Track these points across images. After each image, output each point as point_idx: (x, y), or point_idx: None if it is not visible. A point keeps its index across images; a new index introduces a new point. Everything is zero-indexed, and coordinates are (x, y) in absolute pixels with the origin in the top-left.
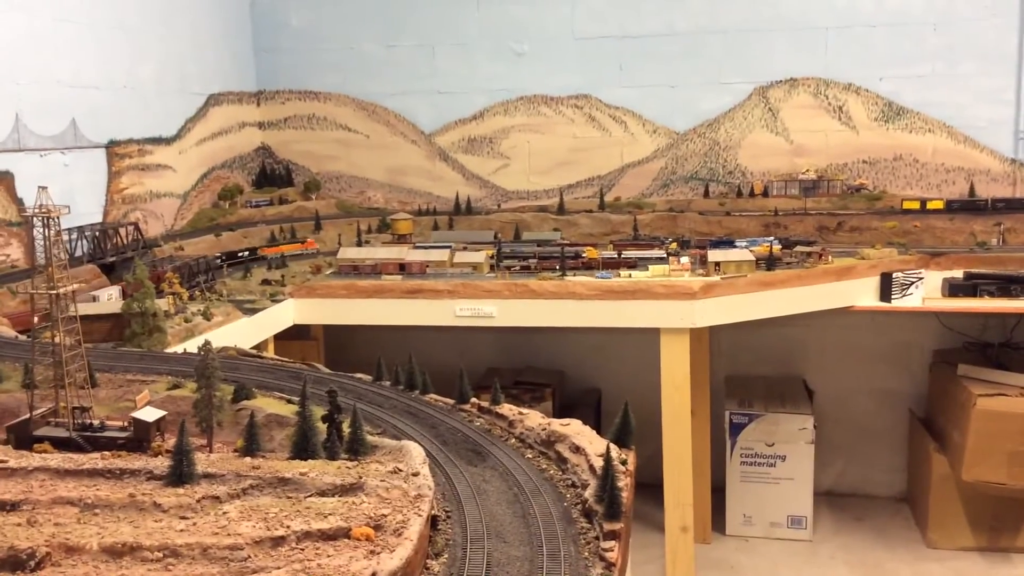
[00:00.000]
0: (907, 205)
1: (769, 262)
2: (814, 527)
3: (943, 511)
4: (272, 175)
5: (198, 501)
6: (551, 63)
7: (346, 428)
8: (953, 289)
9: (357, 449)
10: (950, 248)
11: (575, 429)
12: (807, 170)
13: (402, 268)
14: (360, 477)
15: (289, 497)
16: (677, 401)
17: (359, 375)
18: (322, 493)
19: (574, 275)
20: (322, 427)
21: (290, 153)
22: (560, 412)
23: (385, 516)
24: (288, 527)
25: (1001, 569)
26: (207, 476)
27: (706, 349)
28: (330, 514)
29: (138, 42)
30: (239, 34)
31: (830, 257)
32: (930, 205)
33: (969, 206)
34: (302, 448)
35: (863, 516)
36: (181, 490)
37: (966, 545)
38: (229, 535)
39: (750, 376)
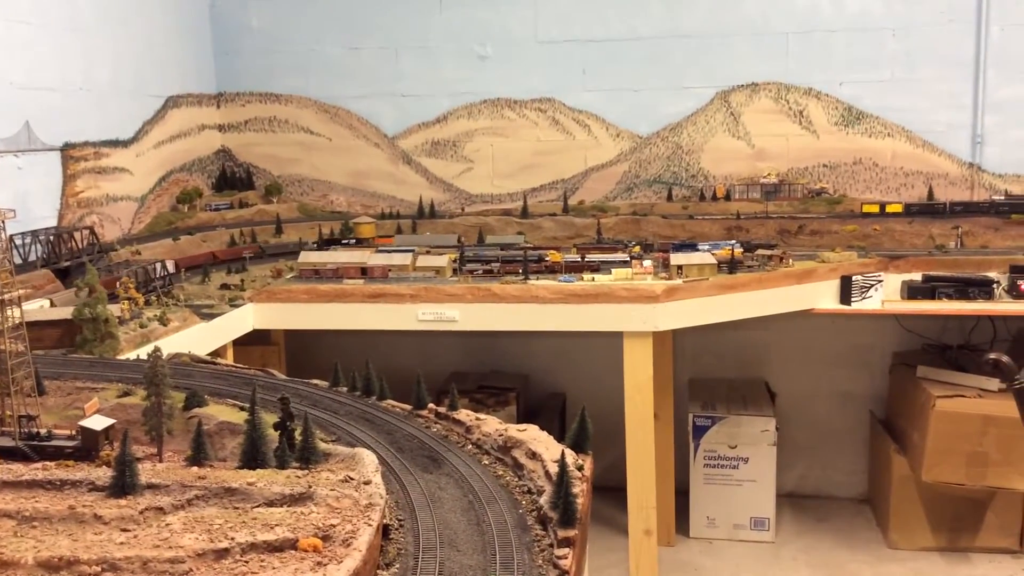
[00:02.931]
0: (867, 209)
1: (731, 265)
2: (777, 529)
3: (904, 512)
4: (232, 178)
5: (140, 513)
6: (514, 66)
7: (299, 436)
8: (912, 292)
9: (308, 457)
10: (909, 251)
11: (532, 435)
12: (768, 174)
13: (364, 272)
14: (310, 486)
15: (236, 508)
16: (640, 404)
17: (315, 381)
18: (270, 503)
19: (537, 279)
20: (274, 435)
21: (251, 156)
22: (524, 416)
23: (334, 526)
24: (232, 539)
25: (961, 569)
26: (151, 487)
27: (669, 352)
28: (277, 525)
29: (94, 44)
30: (198, 36)
31: (791, 260)
32: (889, 208)
33: (928, 209)
34: (251, 457)
35: (825, 517)
36: (123, 501)
37: (926, 545)
38: (171, 548)
39: (713, 379)
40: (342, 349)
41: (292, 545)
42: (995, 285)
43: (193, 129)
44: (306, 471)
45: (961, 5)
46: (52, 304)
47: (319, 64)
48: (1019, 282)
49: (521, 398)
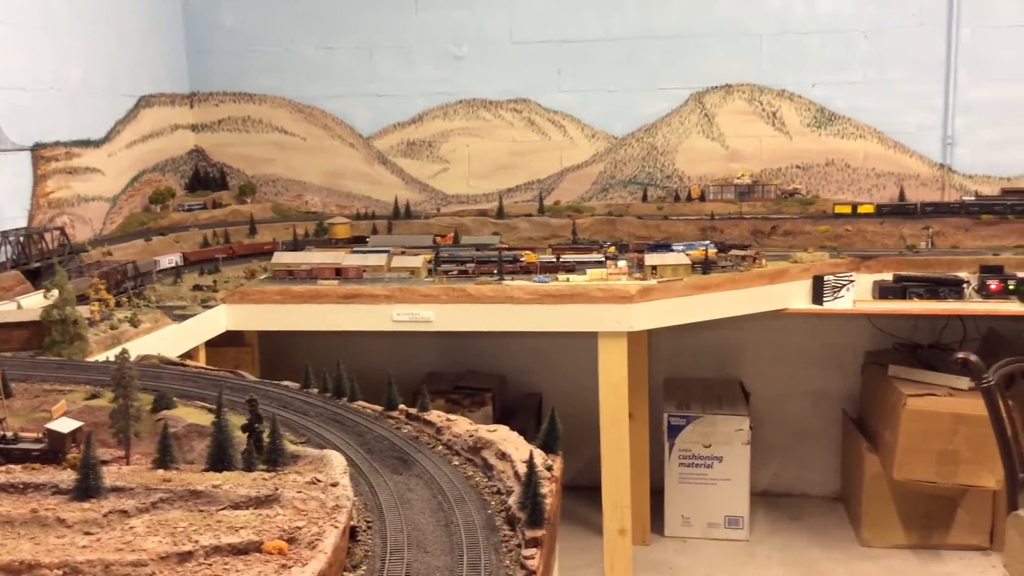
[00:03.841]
0: (839, 209)
1: (704, 266)
2: (751, 527)
3: (876, 510)
4: (206, 178)
5: (104, 516)
6: (490, 67)
7: (266, 438)
8: (883, 291)
9: (276, 459)
10: (880, 251)
11: (502, 435)
12: (742, 175)
13: (338, 273)
14: (276, 488)
15: (201, 511)
16: (615, 404)
17: (286, 382)
18: (235, 506)
19: (512, 279)
20: (243, 437)
21: (224, 156)
22: (500, 416)
23: (300, 528)
24: (196, 542)
25: (932, 566)
26: (116, 490)
27: (645, 352)
28: (242, 527)
29: (65, 43)
30: (171, 35)
31: (764, 261)
32: (861, 209)
33: (899, 210)
34: (218, 459)
35: (798, 516)
36: (87, 505)
37: (898, 543)
38: (134, 551)
39: (688, 378)
40: (317, 350)
41: (257, 548)
42: (965, 285)
43: (166, 129)
44: (273, 473)
45: (932, 7)
46: (19, 307)
47: (293, 64)
48: (989, 282)
49: (497, 398)
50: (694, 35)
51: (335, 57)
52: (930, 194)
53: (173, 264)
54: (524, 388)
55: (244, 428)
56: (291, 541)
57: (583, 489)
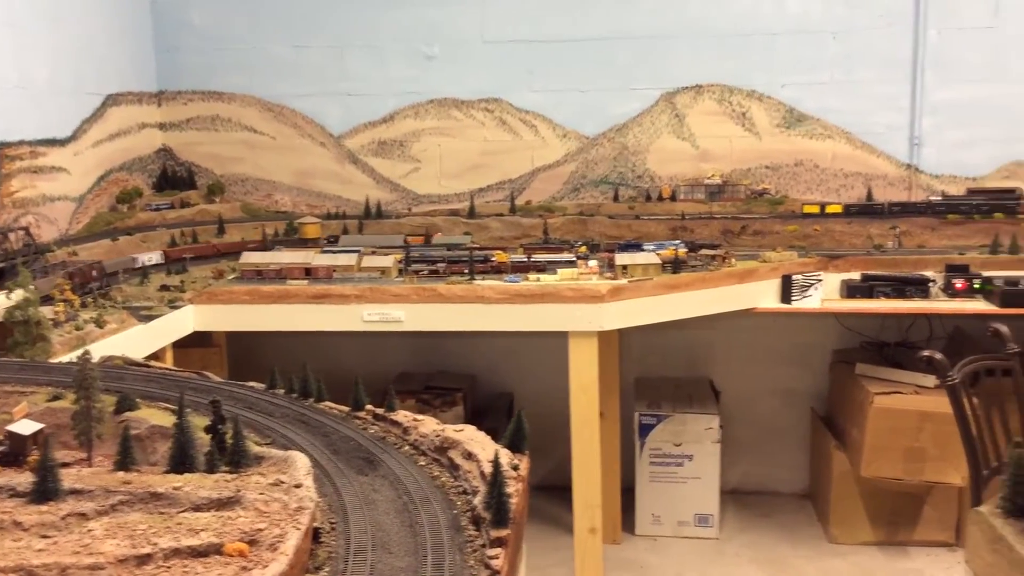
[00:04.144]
0: (807, 209)
1: (675, 265)
2: (721, 525)
3: (844, 507)
4: (174, 177)
5: (62, 519)
6: (461, 66)
7: (230, 439)
8: (850, 291)
9: (239, 461)
10: (848, 251)
11: (469, 435)
12: (712, 175)
13: (308, 273)
14: (238, 490)
15: (161, 513)
16: (585, 403)
17: (252, 383)
18: (196, 508)
19: (483, 279)
20: (206, 438)
21: (193, 155)
22: (472, 416)
23: (261, 530)
24: (155, 544)
25: (899, 562)
26: (75, 492)
27: (616, 352)
28: (202, 530)
29: (30, 40)
30: (139, 32)
31: (733, 260)
32: (829, 209)
33: (866, 210)
34: (180, 461)
35: (768, 513)
36: (45, 507)
37: (866, 540)
38: (91, 554)
39: (659, 378)
40: (287, 351)
41: (217, 550)
42: (931, 284)
43: (133, 127)
44: (236, 475)
45: (899, 8)
46: None
47: (263, 62)
48: (954, 281)
49: (468, 398)
50: (665, 36)
51: (305, 56)
52: (897, 194)
53: (153, 262)
54: (495, 388)
55: (207, 429)
56: (252, 543)
57: (554, 488)
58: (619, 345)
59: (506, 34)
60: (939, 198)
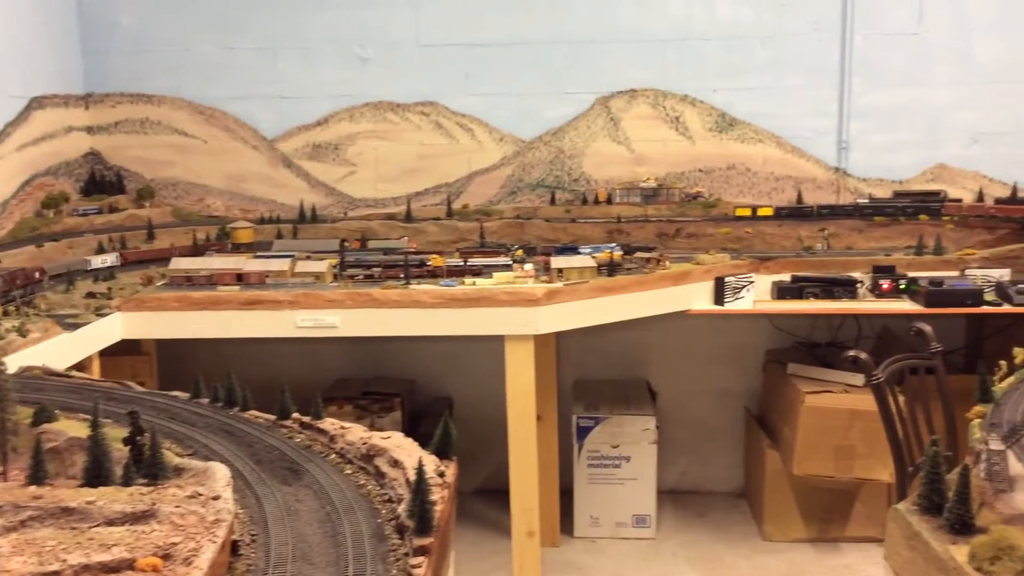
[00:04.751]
0: (739, 212)
1: (610, 268)
2: (658, 525)
3: (777, 505)
4: (102, 182)
5: None
6: (396, 69)
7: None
8: (781, 292)
9: (156, 473)
10: (779, 253)
11: (395, 442)
12: (647, 178)
13: (240, 278)
14: (153, 503)
15: (73, 528)
16: (522, 407)
17: (175, 393)
18: (110, 522)
19: (419, 283)
20: (124, 450)
21: (122, 159)
22: (410, 421)
23: (176, 544)
24: (64, 560)
25: (831, 558)
26: None
27: (553, 355)
28: (114, 545)
29: None
30: (65, 34)
31: (668, 263)
32: (761, 212)
33: (796, 213)
34: (95, 474)
35: (704, 512)
36: None
37: (799, 537)
38: None
39: (597, 380)
40: (221, 358)
41: (129, 565)
42: (859, 285)
43: (59, 131)
44: (152, 488)
45: (827, 15)
46: None
47: (193, 64)
48: (881, 282)
49: (407, 403)
50: (599, 40)
51: (236, 58)
52: (826, 197)
53: (107, 264)
54: (434, 392)
55: (126, 441)
56: (166, 557)
57: (494, 492)
58: (557, 348)
59: (441, 37)
60: (866, 201)
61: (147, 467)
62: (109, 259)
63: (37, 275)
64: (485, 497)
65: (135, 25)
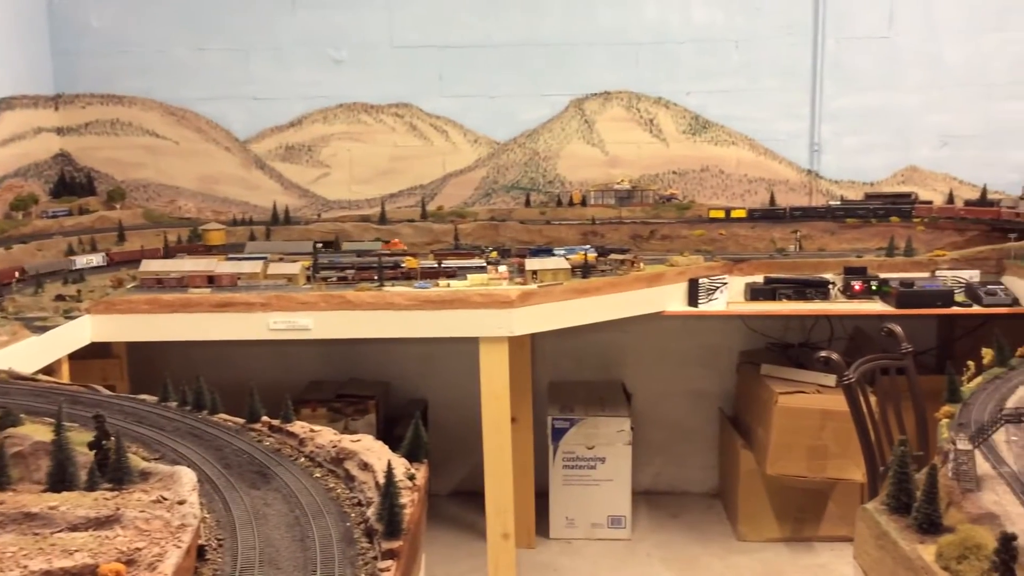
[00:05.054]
0: (713, 214)
1: (584, 270)
2: (633, 526)
3: (751, 505)
4: (72, 184)
5: None
6: (370, 71)
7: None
8: (754, 293)
9: (121, 478)
10: (752, 255)
11: (365, 445)
12: (621, 180)
13: (211, 281)
14: (118, 508)
15: (35, 534)
16: (497, 409)
17: (143, 396)
18: (73, 528)
19: (392, 285)
20: (90, 455)
21: (92, 160)
22: (385, 424)
23: (140, 550)
24: (26, 567)
25: (805, 558)
26: None
27: (528, 357)
28: (77, 550)
29: None
30: (34, 35)
31: (642, 264)
32: (734, 214)
33: (769, 215)
34: (59, 479)
35: (678, 513)
36: None
37: (773, 537)
38: None
39: (572, 382)
40: (193, 361)
41: (92, 571)
42: (831, 286)
43: (28, 132)
44: (117, 492)
45: (799, 19)
46: None
47: (164, 65)
48: (852, 283)
49: (381, 405)
50: (574, 43)
51: (208, 59)
52: (799, 199)
53: (92, 264)
54: (409, 394)
55: (91, 445)
56: (130, 563)
57: (470, 494)
58: (532, 350)
59: (416, 39)
60: (838, 203)
61: (112, 471)
62: (95, 259)
63: (16, 274)
64: (460, 499)
65: (106, 26)
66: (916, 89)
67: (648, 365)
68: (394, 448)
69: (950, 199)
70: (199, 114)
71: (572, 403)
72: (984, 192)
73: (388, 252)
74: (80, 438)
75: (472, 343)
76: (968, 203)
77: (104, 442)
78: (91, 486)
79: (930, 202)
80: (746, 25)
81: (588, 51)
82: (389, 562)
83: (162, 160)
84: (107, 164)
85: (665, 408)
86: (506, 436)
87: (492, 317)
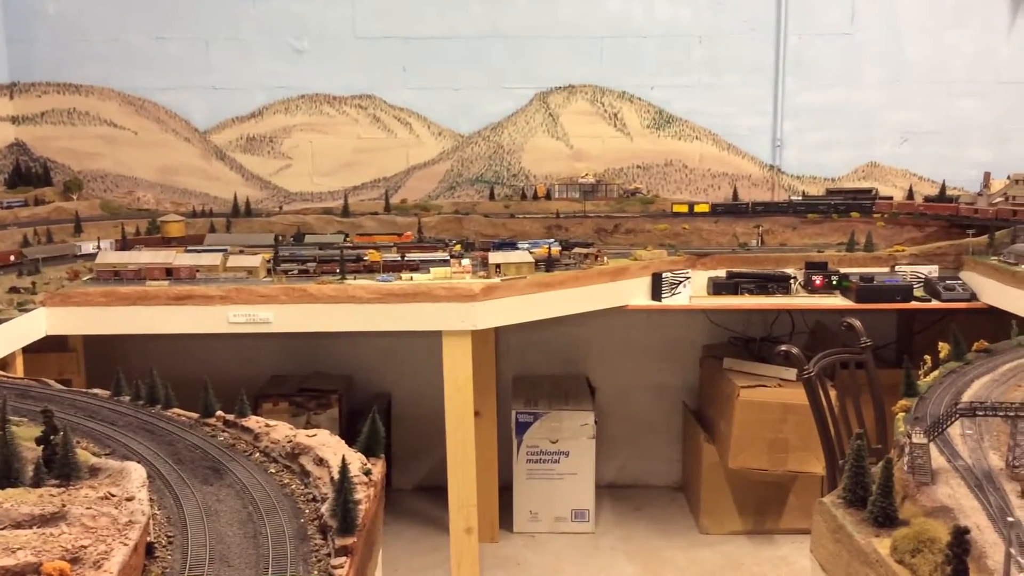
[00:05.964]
0: (677, 208)
1: (548, 263)
2: (596, 519)
3: (713, 498)
4: (28, 174)
5: None
6: (333, 62)
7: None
8: (717, 288)
9: (68, 474)
10: (715, 249)
11: (321, 440)
12: (586, 174)
13: (169, 273)
14: (64, 505)
15: None
16: (460, 403)
17: (96, 390)
18: (17, 525)
19: (355, 278)
20: (39, 450)
21: (48, 150)
22: (348, 418)
23: (86, 547)
24: None
25: (766, 550)
26: None
27: (492, 351)
28: (20, 548)
29: None
30: None
31: (605, 258)
32: (697, 208)
33: (732, 209)
34: (2, 475)
35: (642, 506)
36: None
37: (735, 529)
38: None
39: (536, 376)
40: (151, 355)
41: (35, 570)
42: (792, 281)
43: None
44: (63, 489)
45: (762, 15)
46: None
47: (122, 54)
48: (813, 277)
49: (344, 400)
50: (538, 36)
51: (167, 48)
52: (761, 194)
53: (97, 250)
54: (373, 388)
55: (38, 440)
56: (75, 561)
57: (433, 489)
58: (496, 344)
59: (378, 30)
60: (800, 198)
61: (59, 467)
62: (104, 245)
63: (11, 258)
64: (424, 494)
65: (61, 13)
66: (877, 86)
67: (612, 359)
68: (355, 443)
69: (910, 195)
70: (158, 104)
71: (536, 397)
72: (943, 188)
73: (351, 245)
74: (28, 433)
75: (436, 337)
76: (927, 199)
77: (52, 437)
78: (37, 482)
79: (890, 198)
80: (709, 20)
81: (552, 44)
82: (343, 559)
83: (120, 150)
84: (64, 154)
85: (629, 402)
86: (470, 430)
87: (455, 311)
